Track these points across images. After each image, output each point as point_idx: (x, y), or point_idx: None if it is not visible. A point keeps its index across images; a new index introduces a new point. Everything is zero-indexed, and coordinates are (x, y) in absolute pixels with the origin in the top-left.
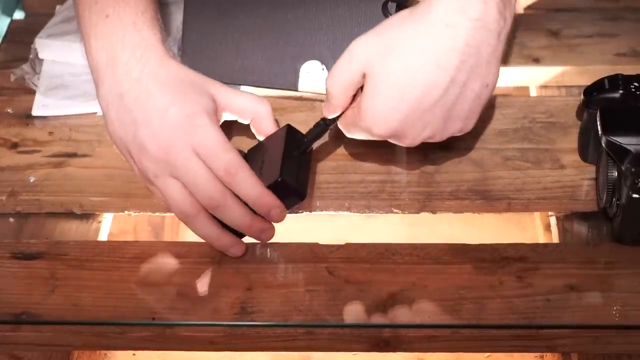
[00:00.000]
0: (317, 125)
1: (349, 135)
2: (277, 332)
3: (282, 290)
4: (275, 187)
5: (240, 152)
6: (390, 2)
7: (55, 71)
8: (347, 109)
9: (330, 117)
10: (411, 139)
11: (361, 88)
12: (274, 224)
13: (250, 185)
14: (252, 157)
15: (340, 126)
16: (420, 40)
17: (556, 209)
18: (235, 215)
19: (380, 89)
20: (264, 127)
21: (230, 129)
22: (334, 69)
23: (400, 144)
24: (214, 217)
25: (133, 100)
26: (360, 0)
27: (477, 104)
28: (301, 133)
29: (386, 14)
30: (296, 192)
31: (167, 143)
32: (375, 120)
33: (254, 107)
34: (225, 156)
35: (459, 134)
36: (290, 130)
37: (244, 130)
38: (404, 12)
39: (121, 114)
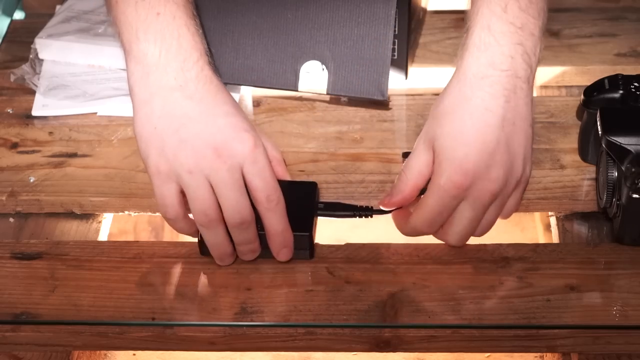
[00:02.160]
0: (349, 206)
1: (402, 232)
2: (277, 332)
3: (282, 290)
4: (297, 238)
5: None
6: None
7: (55, 71)
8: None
9: (388, 208)
10: (487, 181)
11: None
12: None
13: (282, 219)
14: None
15: (395, 222)
16: (462, 94)
17: (556, 209)
18: (249, 237)
19: (447, 146)
20: (278, 172)
21: None
22: (408, 164)
23: (483, 195)
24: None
25: (187, 96)
26: (361, 1)
27: (529, 143)
28: (319, 197)
29: None
30: (310, 250)
31: (221, 145)
32: (452, 169)
33: (272, 151)
34: (272, 183)
35: (524, 183)
36: (316, 188)
37: None
38: (444, 89)
39: (168, 106)
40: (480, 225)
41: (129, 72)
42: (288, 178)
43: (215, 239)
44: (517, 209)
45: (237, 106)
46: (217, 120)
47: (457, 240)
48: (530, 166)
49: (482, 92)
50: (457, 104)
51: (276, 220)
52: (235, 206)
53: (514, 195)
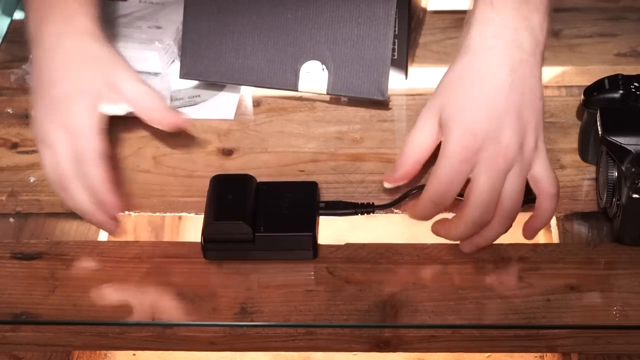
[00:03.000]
0: (350, 204)
1: (419, 215)
2: (277, 332)
3: (282, 290)
4: (300, 238)
5: (256, 181)
6: None
7: None
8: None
9: (392, 185)
10: (499, 145)
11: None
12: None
13: (95, 179)
14: (270, 193)
15: (410, 213)
16: (467, 65)
17: (556, 209)
18: (78, 199)
19: (454, 113)
20: (145, 102)
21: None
22: (411, 136)
23: (496, 159)
24: None
25: (39, 68)
26: (361, 1)
27: (540, 116)
28: (319, 197)
29: None
30: (314, 250)
31: (44, 116)
32: (460, 133)
33: (148, 102)
34: (86, 142)
35: (541, 158)
36: (317, 188)
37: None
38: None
39: (33, 78)
40: (506, 198)
41: None
42: (160, 104)
43: (74, 198)
44: (553, 184)
45: (78, 67)
46: (47, 91)
47: (480, 212)
48: (542, 141)
49: (487, 62)
50: (463, 74)
51: (90, 179)
52: (59, 166)
53: (539, 169)
